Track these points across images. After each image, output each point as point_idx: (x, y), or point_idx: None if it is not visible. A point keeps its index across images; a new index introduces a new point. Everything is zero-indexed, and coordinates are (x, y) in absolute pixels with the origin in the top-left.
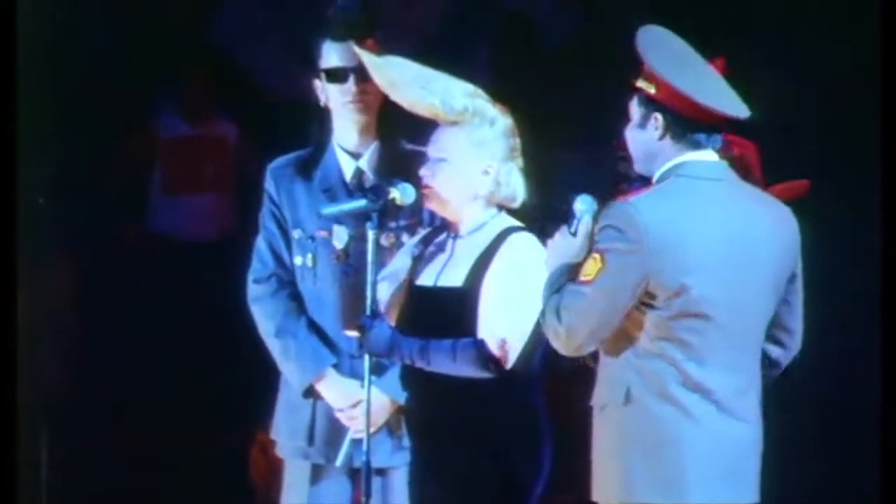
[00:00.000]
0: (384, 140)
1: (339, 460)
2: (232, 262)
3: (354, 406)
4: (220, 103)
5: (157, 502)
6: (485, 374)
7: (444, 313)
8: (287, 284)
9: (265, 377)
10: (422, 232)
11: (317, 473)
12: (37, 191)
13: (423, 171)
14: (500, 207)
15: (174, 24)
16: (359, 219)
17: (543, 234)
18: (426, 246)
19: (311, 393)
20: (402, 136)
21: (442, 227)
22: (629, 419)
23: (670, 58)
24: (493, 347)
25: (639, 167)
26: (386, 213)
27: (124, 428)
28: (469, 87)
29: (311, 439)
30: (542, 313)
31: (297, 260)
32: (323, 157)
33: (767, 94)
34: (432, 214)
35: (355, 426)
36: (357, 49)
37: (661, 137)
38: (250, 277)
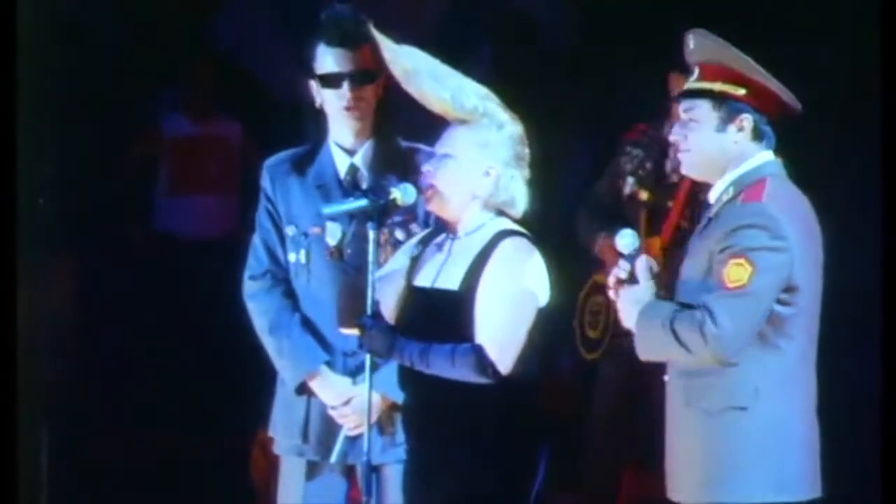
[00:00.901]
0: (379, 137)
1: (334, 457)
2: (235, 261)
3: (346, 403)
4: (223, 103)
5: (158, 501)
6: (483, 380)
7: (439, 315)
8: (281, 282)
9: (266, 376)
10: (420, 232)
11: (311, 470)
12: (37, 190)
13: (426, 167)
14: (500, 213)
15: (177, 23)
16: (352, 217)
17: (541, 242)
18: (425, 246)
19: (304, 390)
20: (397, 133)
21: (441, 228)
22: (754, 419)
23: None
24: (491, 353)
25: (698, 170)
26: (386, 213)
27: (126, 426)
28: (482, 90)
29: (305, 436)
30: (674, 334)
31: (291, 257)
32: (318, 154)
33: None
34: (427, 212)
35: (348, 423)
36: (377, 36)
37: (746, 139)
38: (246, 274)
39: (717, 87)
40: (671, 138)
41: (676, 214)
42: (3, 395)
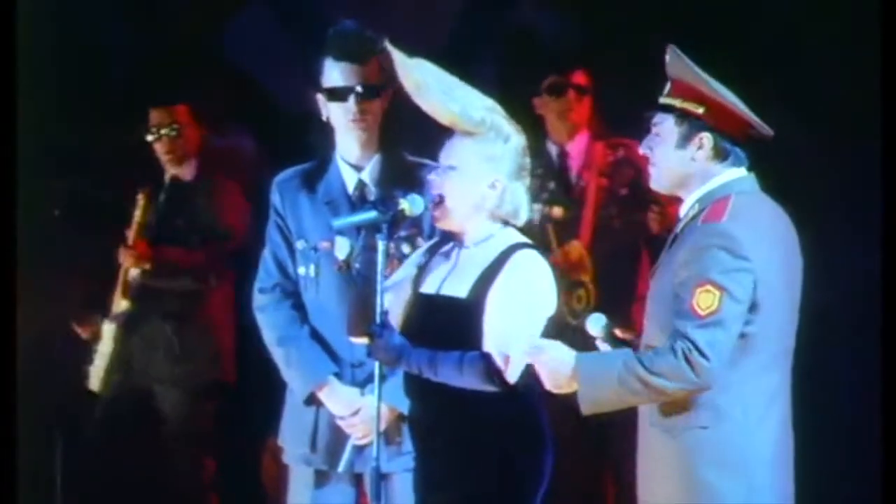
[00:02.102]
0: (386, 152)
1: (341, 466)
2: (246, 272)
3: (354, 414)
4: (235, 115)
5: None
6: (490, 388)
7: (445, 322)
8: (291, 294)
9: (276, 386)
10: (425, 243)
11: (320, 479)
12: (49, 200)
13: (431, 176)
14: (505, 223)
15: (188, 35)
16: (360, 230)
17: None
18: (431, 256)
19: (312, 401)
20: (403, 148)
21: (448, 238)
22: (718, 438)
23: (708, 78)
24: (499, 362)
25: (663, 185)
26: (395, 224)
27: (134, 433)
28: (489, 102)
29: (313, 446)
30: (650, 373)
31: (301, 270)
32: (326, 170)
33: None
34: (432, 225)
35: (355, 434)
36: (389, 47)
37: (706, 157)
38: (256, 287)
39: (678, 103)
40: (640, 150)
41: (591, 213)
42: (12, 405)
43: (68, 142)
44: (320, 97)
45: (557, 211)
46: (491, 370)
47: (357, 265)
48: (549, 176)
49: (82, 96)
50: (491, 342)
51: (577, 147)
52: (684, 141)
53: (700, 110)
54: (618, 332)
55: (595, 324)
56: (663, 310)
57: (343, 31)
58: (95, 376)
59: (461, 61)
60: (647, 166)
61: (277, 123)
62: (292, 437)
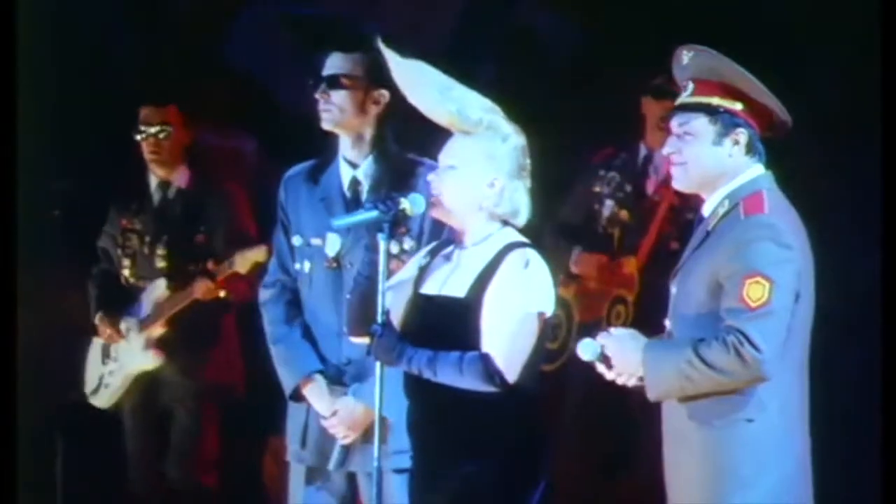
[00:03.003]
0: (381, 150)
1: (332, 464)
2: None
3: (334, 414)
4: (237, 116)
5: None
6: (489, 388)
7: (445, 322)
8: (289, 291)
9: (278, 384)
10: (412, 242)
11: (311, 476)
12: (53, 203)
13: (430, 177)
14: (504, 223)
15: (191, 37)
16: (353, 228)
17: (539, 248)
18: (433, 257)
19: (298, 398)
20: (394, 148)
21: (449, 240)
22: (759, 431)
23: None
24: (498, 361)
25: (690, 184)
26: (396, 223)
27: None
28: (487, 102)
29: (304, 442)
30: (706, 364)
31: (297, 266)
32: (328, 167)
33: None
34: (421, 224)
35: (337, 434)
36: (382, 48)
37: (741, 153)
38: (262, 282)
39: (715, 101)
40: (665, 151)
41: (655, 233)
42: (4, 401)
43: (68, 142)
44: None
45: (624, 214)
46: (490, 370)
47: (349, 263)
48: (629, 178)
49: (83, 97)
50: (488, 341)
51: (662, 158)
52: (721, 138)
53: (738, 106)
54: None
55: (586, 350)
56: (693, 306)
57: (340, 23)
58: (109, 394)
59: (462, 61)
60: (671, 167)
61: (279, 125)
62: (289, 435)
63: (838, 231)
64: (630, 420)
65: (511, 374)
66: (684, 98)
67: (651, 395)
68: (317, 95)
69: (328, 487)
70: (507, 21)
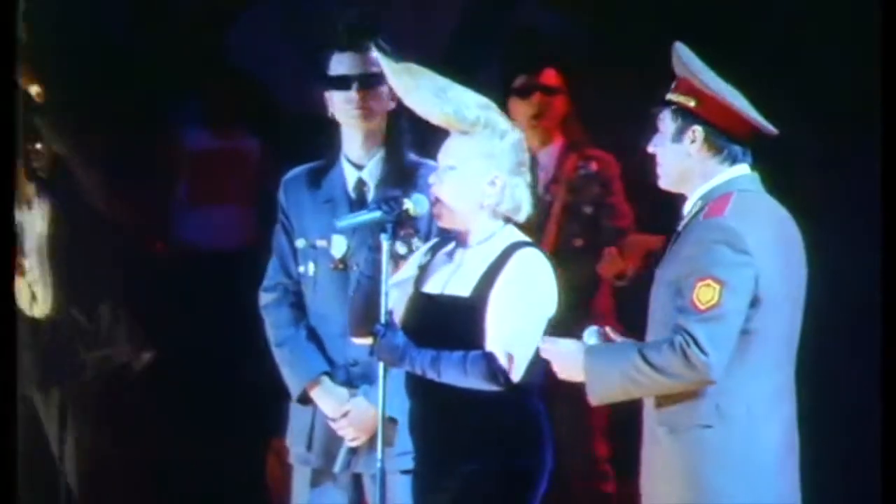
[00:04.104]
0: (388, 152)
1: (337, 466)
2: (252, 273)
3: (344, 416)
4: (242, 116)
5: None
6: (494, 387)
7: (449, 322)
8: (292, 294)
9: (282, 385)
10: (421, 243)
11: (317, 478)
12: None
13: (431, 178)
14: (507, 220)
15: (195, 35)
16: (355, 229)
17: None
18: (433, 255)
19: (305, 400)
20: (407, 148)
21: (449, 238)
22: (721, 437)
23: (708, 72)
24: (502, 360)
25: (667, 182)
26: (399, 224)
27: (141, 435)
28: (482, 100)
29: (310, 445)
30: (650, 366)
31: (301, 269)
32: (331, 169)
33: (767, 96)
34: (429, 225)
35: (347, 435)
36: (375, 53)
37: (699, 151)
38: (262, 285)
39: (674, 97)
40: (649, 149)
41: (554, 232)
42: (4, 402)
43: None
44: (327, 94)
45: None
46: (495, 369)
47: (355, 265)
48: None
49: (83, 97)
50: (493, 341)
51: (548, 156)
52: (679, 135)
53: (691, 103)
54: (611, 335)
55: (590, 338)
56: (665, 307)
57: (348, 20)
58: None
59: (463, 60)
60: (656, 168)
61: (281, 125)
62: (293, 437)
63: (838, 231)
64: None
65: (515, 373)
66: (667, 95)
67: (591, 399)
68: (353, 94)
69: (334, 489)
70: (508, 21)
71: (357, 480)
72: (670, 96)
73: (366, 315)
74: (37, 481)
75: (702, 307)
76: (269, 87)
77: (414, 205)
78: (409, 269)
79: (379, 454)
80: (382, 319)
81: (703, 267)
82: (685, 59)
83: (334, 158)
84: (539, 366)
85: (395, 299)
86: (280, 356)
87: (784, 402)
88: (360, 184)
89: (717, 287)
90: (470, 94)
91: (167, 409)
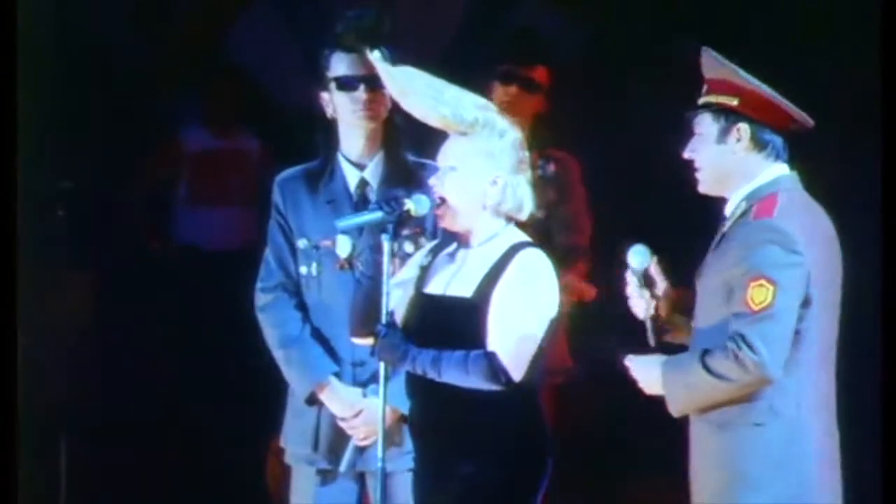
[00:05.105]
0: (388, 151)
1: (343, 466)
2: (252, 273)
3: (356, 416)
4: (242, 116)
5: None
6: (495, 387)
7: (451, 322)
8: (292, 294)
9: (281, 386)
10: (428, 243)
11: (322, 479)
12: (56, 202)
13: (432, 180)
14: (509, 219)
15: (195, 35)
16: (363, 229)
17: (547, 247)
18: (435, 256)
19: (313, 401)
20: (406, 147)
21: (451, 238)
22: (771, 435)
23: (742, 71)
24: (504, 360)
25: (708, 186)
26: (400, 224)
27: (140, 436)
28: (480, 100)
29: (315, 445)
30: (709, 372)
31: (303, 269)
32: (329, 169)
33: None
34: (435, 224)
35: (358, 435)
36: (371, 57)
37: (746, 149)
38: (258, 286)
39: (713, 98)
40: (685, 155)
41: None
42: (6, 408)
43: (69, 142)
44: (325, 94)
45: None
46: (496, 368)
47: (359, 265)
48: None
49: (84, 97)
50: (495, 340)
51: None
52: (723, 135)
53: (734, 102)
54: (652, 272)
55: (636, 255)
56: (713, 309)
57: (352, 21)
58: None
59: (464, 60)
60: (695, 172)
61: (281, 123)
62: (294, 438)
63: (838, 231)
64: (637, 420)
65: (517, 372)
66: (700, 99)
67: (672, 412)
68: (361, 95)
69: (340, 488)
70: (510, 21)
71: (362, 479)
72: (707, 99)
73: (366, 315)
74: (36, 481)
75: (755, 308)
76: (268, 87)
77: (415, 205)
78: (410, 269)
79: (379, 454)
80: (384, 320)
81: (755, 268)
82: (719, 60)
83: (331, 158)
84: (539, 366)
85: (396, 300)
86: (285, 357)
87: (829, 402)
88: (363, 184)
89: (771, 288)
90: (468, 94)
91: (167, 409)
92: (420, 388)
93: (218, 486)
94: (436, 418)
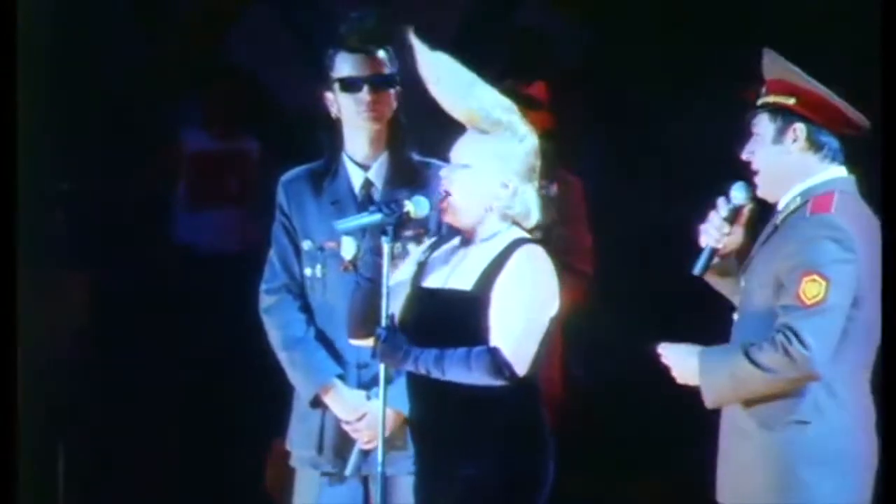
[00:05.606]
0: (393, 151)
1: (348, 470)
2: (253, 275)
3: (360, 419)
4: (242, 117)
5: None
6: (499, 382)
7: (451, 316)
8: (297, 296)
9: (281, 388)
10: (428, 241)
11: (327, 482)
12: (54, 204)
13: (442, 172)
14: (514, 224)
15: (195, 37)
16: (367, 230)
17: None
18: (433, 251)
19: (317, 404)
20: (411, 147)
21: (450, 235)
22: (816, 433)
23: (800, 71)
24: (508, 354)
25: (766, 188)
26: (400, 225)
27: (140, 439)
28: (506, 102)
29: (320, 448)
30: (755, 364)
31: (307, 271)
32: (333, 169)
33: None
34: (439, 224)
35: (361, 438)
36: (411, 38)
37: (802, 149)
38: (262, 288)
39: (771, 98)
40: (743, 157)
41: None
42: (6, 408)
43: (69, 143)
44: (329, 95)
45: None
46: (500, 363)
47: (360, 266)
48: None
49: (84, 97)
50: (498, 335)
51: None
52: (780, 135)
53: (791, 101)
54: (744, 212)
55: (739, 190)
56: (760, 301)
57: (356, 22)
58: None
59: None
60: (753, 177)
61: (281, 124)
62: (299, 441)
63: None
64: (641, 421)
65: (521, 367)
66: (759, 99)
67: (707, 402)
68: (365, 96)
69: (345, 491)
70: (511, 21)
71: (366, 483)
72: (765, 99)
73: (365, 317)
74: (36, 481)
75: (808, 302)
76: (268, 88)
77: (415, 206)
78: (408, 268)
79: (380, 458)
80: (383, 322)
81: (809, 262)
82: (778, 60)
83: (335, 158)
84: (540, 362)
85: (395, 299)
86: (289, 359)
87: (869, 404)
88: (367, 184)
89: (824, 283)
90: (495, 93)
91: (167, 410)
92: (421, 389)
93: (217, 486)
94: (437, 420)
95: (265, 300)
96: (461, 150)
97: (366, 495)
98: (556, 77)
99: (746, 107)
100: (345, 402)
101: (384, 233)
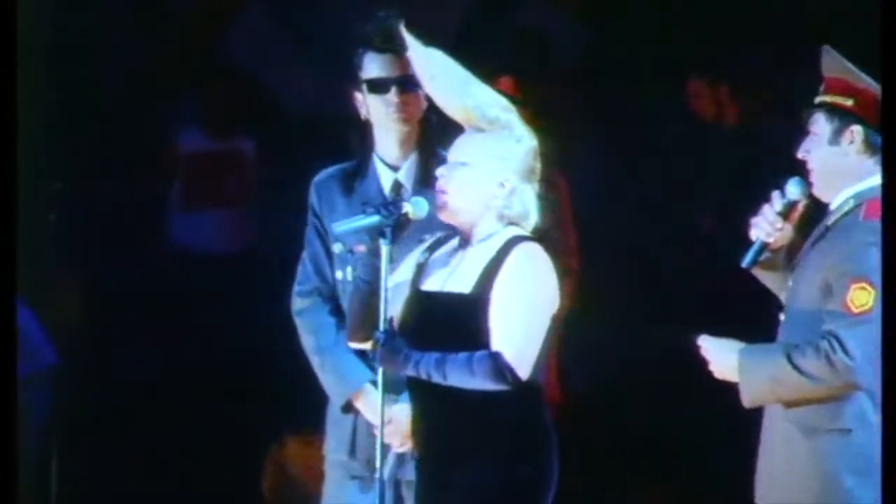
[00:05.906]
0: (423, 152)
1: (386, 474)
2: (249, 276)
3: (388, 424)
4: (238, 118)
5: None
6: (502, 386)
7: (450, 319)
8: (328, 299)
9: (280, 390)
10: (428, 240)
11: (358, 486)
12: (48, 206)
13: (440, 171)
14: (511, 224)
15: (192, 38)
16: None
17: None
18: (431, 253)
19: (349, 409)
20: (440, 147)
21: (449, 236)
22: (859, 441)
23: (860, 72)
24: (509, 358)
25: (820, 187)
26: (399, 227)
27: (138, 440)
28: (503, 101)
29: (352, 452)
30: (797, 370)
31: (339, 274)
32: (364, 170)
33: (768, 97)
34: (439, 224)
35: (393, 442)
36: (403, 33)
37: (858, 152)
38: (294, 290)
39: (829, 98)
40: (799, 155)
41: None
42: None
43: (69, 143)
44: (358, 95)
45: None
46: (502, 367)
47: (357, 271)
48: None
49: (82, 97)
50: (499, 338)
51: None
52: (836, 136)
53: (849, 102)
54: (798, 207)
55: (796, 185)
56: (807, 302)
57: (383, 22)
58: None
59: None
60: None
61: (278, 126)
62: (333, 445)
63: None
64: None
65: (523, 370)
66: (817, 97)
67: (744, 401)
68: (393, 98)
69: (372, 497)
70: (511, 21)
71: (397, 487)
72: (823, 98)
73: (363, 320)
74: (33, 482)
75: (855, 310)
76: (266, 88)
77: (413, 208)
78: (406, 269)
79: (378, 462)
80: (382, 326)
81: (859, 269)
82: (837, 59)
83: (366, 159)
84: (542, 364)
85: (394, 301)
86: (320, 363)
87: None
88: (397, 185)
89: (873, 291)
90: (492, 92)
91: (163, 410)
92: (421, 393)
93: (216, 486)
94: (438, 425)
95: (297, 302)
96: (459, 148)
97: (396, 500)
98: (556, 77)
99: (747, 107)
100: (375, 407)
101: (382, 235)
